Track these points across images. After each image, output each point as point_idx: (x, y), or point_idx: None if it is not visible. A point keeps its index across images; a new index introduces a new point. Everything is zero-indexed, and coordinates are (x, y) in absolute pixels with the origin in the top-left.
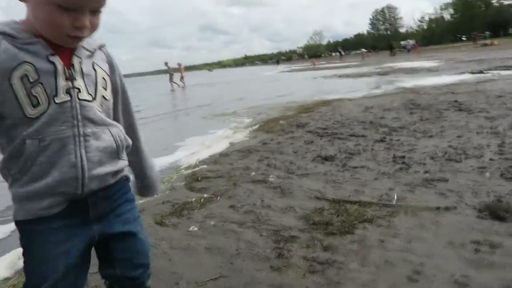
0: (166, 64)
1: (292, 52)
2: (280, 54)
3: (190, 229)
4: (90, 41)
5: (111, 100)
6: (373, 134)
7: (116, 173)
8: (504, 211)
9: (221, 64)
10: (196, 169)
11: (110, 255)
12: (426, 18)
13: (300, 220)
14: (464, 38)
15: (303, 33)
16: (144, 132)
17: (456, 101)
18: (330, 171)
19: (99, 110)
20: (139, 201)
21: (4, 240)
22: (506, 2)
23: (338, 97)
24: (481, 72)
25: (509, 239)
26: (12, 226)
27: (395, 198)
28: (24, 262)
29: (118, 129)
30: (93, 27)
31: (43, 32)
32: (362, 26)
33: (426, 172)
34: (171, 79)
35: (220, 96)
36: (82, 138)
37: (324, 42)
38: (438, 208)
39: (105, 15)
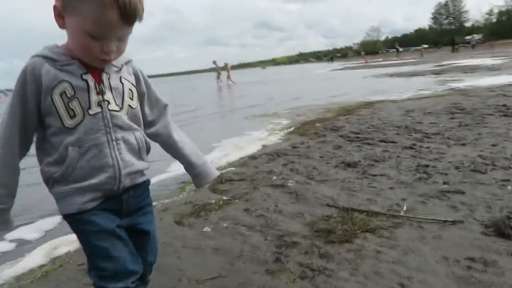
0: (214, 62)
1: (348, 48)
2: (335, 50)
3: (204, 229)
4: (118, 58)
5: (138, 107)
6: (404, 140)
7: (142, 173)
8: (511, 229)
9: (275, 62)
10: (224, 171)
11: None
12: (495, 11)
13: (306, 227)
14: None
15: (360, 29)
16: (185, 131)
17: (504, 105)
18: (349, 178)
19: (126, 118)
20: (165, 200)
21: (50, 231)
22: None
23: (382, 98)
24: None
25: (506, 258)
26: (50, 220)
27: (404, 209)
28: (84, 248)
29: (140, 133)
30: (120, 51)
31: (78, 54)
32: (423, 20)
33: (445, 183)
34: (218, 78)
35: (263, 96)
36: (114, 142)
37: (382, 38)
38: (444, 221)
39: (164, 14)
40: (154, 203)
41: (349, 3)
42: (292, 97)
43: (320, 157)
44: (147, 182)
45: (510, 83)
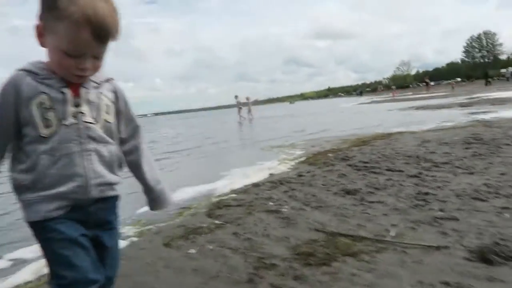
0: (236, 97)
1: (378, 83)
2: (364, 85)
3: (189, 251)
4: (99, 75)
5: (114, 123)
6: (411, 169)
7: (112, 186)
8: (495, 255)
9: (303, 96)
10: (224, 197)
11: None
12: None
13: (289, 250)
14: None
15: (391, 63)
16: (199, 161)
17: None
18: (345, 204)
19: (101, 131)
20: (160, 224)
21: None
22: None
23: (402, 130)
24: None
25: (481, 283)
26: None
27: (392, 235)
28: (46, 257)
29: (115, 148)
30: (95, 68)
31: (57, 71)
32: (455, 54)
33: (441, 210)
34: (239, 112)
35: (285, 129)
36: (86, 153)
37: (412, 72)
38: (428, 246)
39: (197, 52)
40: (149, 227)
41: (380, 38)
42: (314, 130)
43: (323, 185)
44: (116, 198)
45: None
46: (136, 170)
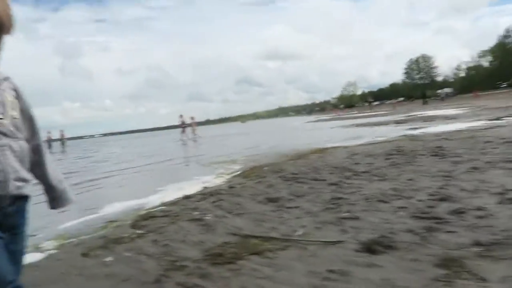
0: (180, 117)
1: (326, 102)
2: (314, 104)
3: (106, 259)
4: None
5: (20, 119)
6: (333, 178)
7: (26, 182)
8: (379, 245)
9: (255, 116)
10: (152, 210)
11: None
12: (463, 66)
13: (201, 253)
14: (504, 85)
15: (339, 83)
16: (138, 179)
17: (439, 147)
18: (265, 211)
19: (10, 126)
20: (83, 237)
21: None
22: None
23: (338, 144)
24: (498, 119)
25: (361, 269)
26: None
27: (298, 234)
28: None
29: (24, 143)
30: None
31: None
32: (397, 75)
33: (347, 211)
34: (183, 132)
35: (225, 147)
36: (1, 148)
37: (359, 92)
38: (326, 242)
39: (148, 72)
40: (71, 240)
41: (328, 59)
42: (254, 146)
43: (250, 195)
44: (28, 199)
45: (459, 129)
46: (39, 169)
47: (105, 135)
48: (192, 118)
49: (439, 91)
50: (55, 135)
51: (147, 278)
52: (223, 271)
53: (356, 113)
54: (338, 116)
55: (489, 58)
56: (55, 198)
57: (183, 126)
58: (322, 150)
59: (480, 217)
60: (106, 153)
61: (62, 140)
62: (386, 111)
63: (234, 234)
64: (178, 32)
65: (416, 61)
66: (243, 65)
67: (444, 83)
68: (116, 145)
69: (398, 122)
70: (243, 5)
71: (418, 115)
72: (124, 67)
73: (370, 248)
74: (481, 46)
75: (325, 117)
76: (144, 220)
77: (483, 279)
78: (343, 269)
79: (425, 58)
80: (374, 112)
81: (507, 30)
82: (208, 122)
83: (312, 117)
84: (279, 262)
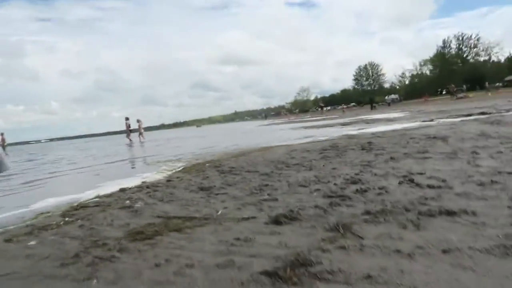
0: (126, 119)
1: (281, 107)
2: (269, 109)
3: (29, 243)
4: None
5: None
6: (265, 170)
7: None
8: (286, 218)
9: (211, 120)
10: (86, 201)
11: None
12: (407, 74)
13: (124, 233)
14: (444, 92)
15: (293, 88)
16: (80, 177)
17: (369, 142)
18: (194, 197)
19: None
20: (9, 227)
21: None
22: (481, 59)
23: (283, 143)
24: (431, 120)
25: (264, 236)
26: None
27: (218, 213)
28: None
29: None
30: None
31: None
32: (348, 81)
33: (269, 194)
34: (128, 135)
35: (183, 147)
36: None
37: (312, 97)
38: (241, 218)
39: (99, 74)
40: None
41: (283, 66)
42: (203, 147)
43: (185, 186)
44: None
45: (393, 129)
46: None
47: (52, 140)
48: (138, 121)
49: (386, 97)
50: None
51: (66, 255)
52: (141, 245)
53: (308, 117)
54: (289, 120)
55: (430, 67)
56: None
57: (129, 130)
58: (266, 149)
59: (379, 194)
60: (53, 156)
61: (2, 144)
62: (336, 115)
63: (159, 217)
64: (130, 34)
65: (365, 68)
66: (198, 70)
67: (391, 90)
68: (65, 149)
69: (343, 124)
70: (196, 10)
71: (363, 118)
72: (73, 69)
73: (277, 220)
74: (423, 56)
75: (278, 121)
76: (75, 210)
77: (361, 237)
78: (248, 237)
79: (373, 66)
80: (325, 116)
81: (445, 42)
82: (162, 127)
83: (267, 121)
84: (195, 236)
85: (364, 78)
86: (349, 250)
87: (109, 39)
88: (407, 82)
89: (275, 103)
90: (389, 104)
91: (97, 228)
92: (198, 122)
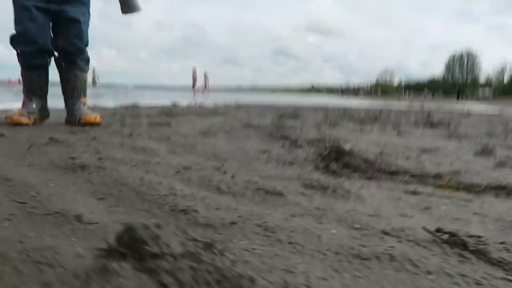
0: (194, 69)
1: (360, 87)
2: (348, 87)
3: None
4: None
5: None
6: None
7: None
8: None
9: (287, 89)
10: None
11: (59, 30)
12: (508, 69)
13: None
14: None
15: (375, 67)
16: None
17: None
18: None
19: None
20: None
21: None
22: None
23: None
24: None
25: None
26: None
27: None
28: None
29: None
30: None
31: None
32: (438, 69)
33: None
34: (194, 86)
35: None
36: None
37: (395, 82)
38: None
39: (188, 28)
40: None
41: (366, 42)
42: None
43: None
44: None
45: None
46: None
47: (136, 87)
48: (205, 73)
49: (481, 91)
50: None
51: None
52: None
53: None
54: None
55: None
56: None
57: (194, 81)
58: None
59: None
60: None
61: (93, 77)
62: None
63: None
64: None
65: (460, 57)
66: (281, 35)
67: (486, 84)
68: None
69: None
70: None
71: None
72: (163, 20)
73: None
74: None
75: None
76: None
77: None
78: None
79: (470, 55)
80: (404, 102)
81: None
82: (240, 90)
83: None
84: None
85: (458, 69)
86: None
87: None
88: (506, 79)
89: (355, 80)
90: (485, 99)
91: None
92: (275, 92)
